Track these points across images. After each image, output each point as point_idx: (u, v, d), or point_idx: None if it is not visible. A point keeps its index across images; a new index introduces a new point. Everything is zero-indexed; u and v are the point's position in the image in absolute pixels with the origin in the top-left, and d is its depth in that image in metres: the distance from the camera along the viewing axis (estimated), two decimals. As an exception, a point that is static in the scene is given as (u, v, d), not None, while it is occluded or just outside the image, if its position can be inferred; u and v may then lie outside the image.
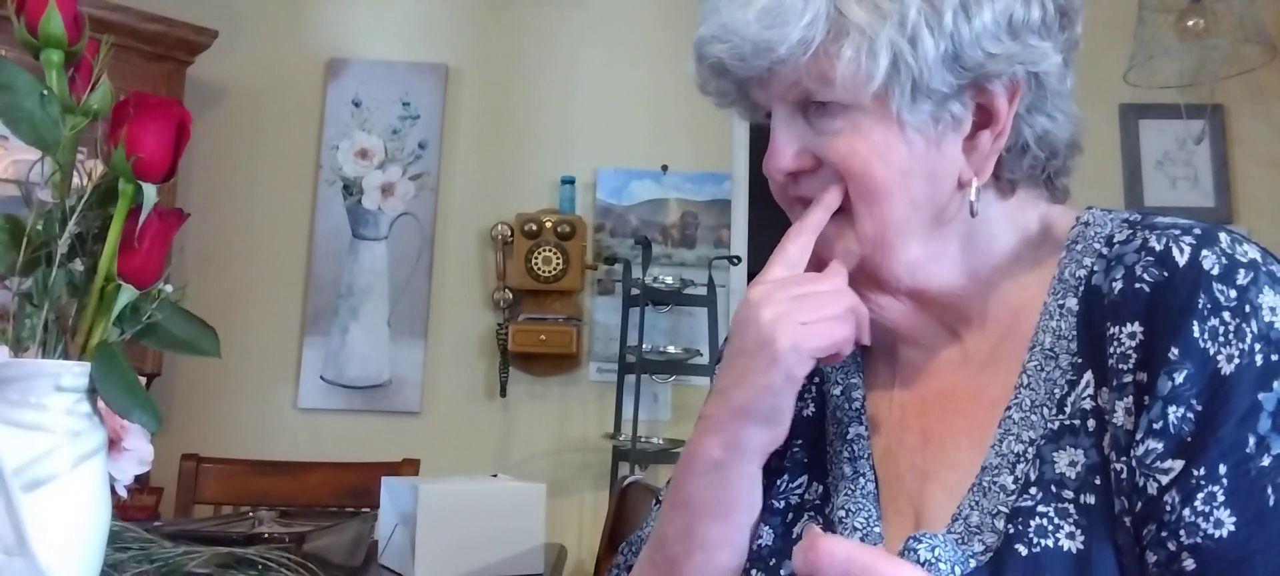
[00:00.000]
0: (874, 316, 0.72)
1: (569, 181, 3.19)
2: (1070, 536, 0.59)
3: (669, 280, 2.93)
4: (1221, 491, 0.55)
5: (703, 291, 2.96)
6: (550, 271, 3.08)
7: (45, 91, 0.62)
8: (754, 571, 0.70)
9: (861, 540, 0.67)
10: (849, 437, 0.72)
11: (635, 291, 2.92)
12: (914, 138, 0.64)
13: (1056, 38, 0.66)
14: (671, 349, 2.93)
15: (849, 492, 0.70)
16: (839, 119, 0.65)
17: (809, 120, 0.66)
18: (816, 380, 0.78)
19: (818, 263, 0.69)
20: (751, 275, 3.34)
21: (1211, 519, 0.55)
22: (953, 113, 0.64)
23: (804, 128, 0.67)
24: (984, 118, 0.66)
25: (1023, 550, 0.59)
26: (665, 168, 3.24)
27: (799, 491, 0.72)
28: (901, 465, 0.70)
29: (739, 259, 3.17)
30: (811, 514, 0.71)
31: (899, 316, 0.71)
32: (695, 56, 0.68)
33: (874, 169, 0.64)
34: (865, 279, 0.69)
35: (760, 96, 0.68)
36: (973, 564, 0.60)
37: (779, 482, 0.74)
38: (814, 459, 0.74)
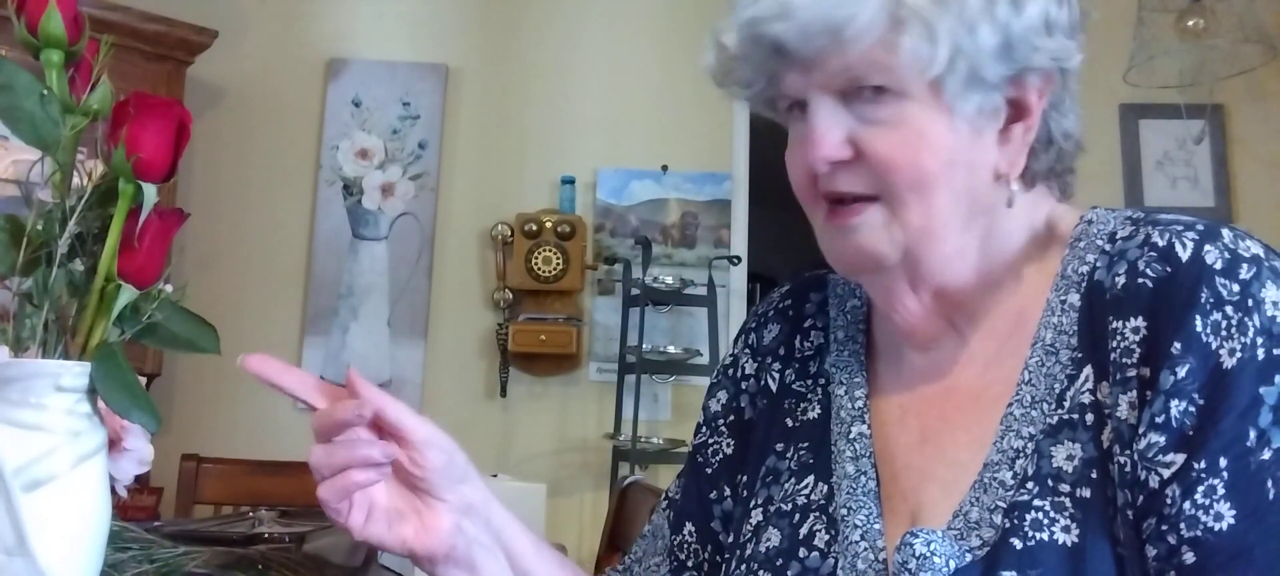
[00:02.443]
0: (897, 319, 0.72)
1: (569, 181, 3.19)
2: (1066, 530, 0.59)
3: (669, 280, 2.93)
4: (1222, 485, 0.55)
5: (703, 291, 2.97)
6: (550, 271, 3.08)
7: (45, 91, 0.62)
8: (762, 572, 0.70)
9: (861, 537, 0.68)
10: (852, 437, 0.73)
11: (635, 291, 2.92)
12: (961, 127, 0.65)
13: (1077, 39, 0.67)
14: (671, 349, 2.94)
15: (851, 491, 0.70)
16: (887, 107, 0.64)
17: (851, 109, 0.65)
18: (823, 381, 0.78)
19: (859, 254, 0.68)
20: (751, 275, 3.36)
21: (1211, 512, 0.55)
22: (995, 104, 0.65)
23: (846, 116, 0.66)
24: (1015, 112, 0.67)
25: (1018, 544, 0.59)
26: (665, 168, 3.24)
27: (805, 492, 0.73)
28: (898, 464, 0.70)
29: (739, 259, 3.17)
30: (817, 513, 0.71)
31: (919, 318, 0.71)
32: (744, 37, 0.66)
33: (924, 158, 0.64)
34: (904, 273, 0.69)
35: (795, 84, 0.67)
36: (968, 558, 0.60)
37: (785, 486, 0.75)
38: (819, 460, 0.74)
